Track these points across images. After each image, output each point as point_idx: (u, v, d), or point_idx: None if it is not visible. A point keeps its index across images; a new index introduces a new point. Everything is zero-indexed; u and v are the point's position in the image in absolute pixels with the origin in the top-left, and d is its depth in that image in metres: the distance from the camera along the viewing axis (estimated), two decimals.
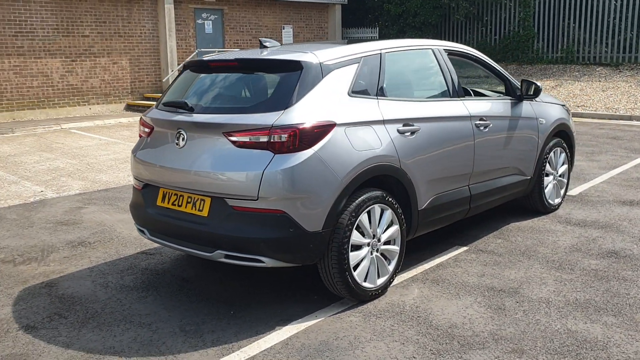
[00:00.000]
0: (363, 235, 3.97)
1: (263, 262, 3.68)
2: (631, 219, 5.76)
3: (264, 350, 3.45)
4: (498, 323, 3.70)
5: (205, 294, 4.29)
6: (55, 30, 14.71)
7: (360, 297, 3.99)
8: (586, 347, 3.38)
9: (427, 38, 17.96)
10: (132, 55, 16.20)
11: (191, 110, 4.00)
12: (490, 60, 5.44)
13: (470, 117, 4.79)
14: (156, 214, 4.15)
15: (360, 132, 3.91)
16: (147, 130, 4.34)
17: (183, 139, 3.95)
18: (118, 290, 4.40)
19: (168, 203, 4.08)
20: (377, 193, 4.00)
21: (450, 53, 4.99)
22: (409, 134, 4.24)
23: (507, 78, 5.49)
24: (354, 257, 3.90)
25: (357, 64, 4.12)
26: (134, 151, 4.42)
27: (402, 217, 4.22)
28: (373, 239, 4.04)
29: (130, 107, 16.10)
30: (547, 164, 5.86)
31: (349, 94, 3.98)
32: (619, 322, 3.67)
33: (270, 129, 3.60)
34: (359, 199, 3.88)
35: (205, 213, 3.83)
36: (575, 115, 13.85)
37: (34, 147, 10.95)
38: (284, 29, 19.84)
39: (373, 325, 3.72)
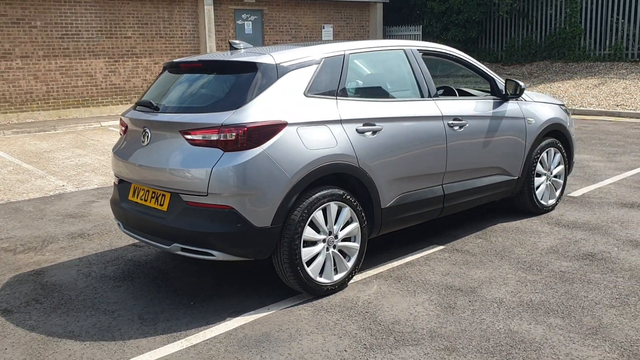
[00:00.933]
0: (318, 231, 4.08)
1: (214, 255, 3.85)
2: (624, 221, 5.61)
3: (207, 340, 3.62)
4: (441, 321, 3.74)
5: (175, 285, 4.50)
6: (99, 32, 15.37)
7: (314, 291, 4.10)
8: (519, 347, 3.38)
9: (472, 35, 17.66)
10: (173, 55, 16.72)
11: (156, 109, 4.21)
12: (472, 59, 5.41)
13: (442, 117, 4.81)
14: (128, 208, 4.39)
15: (314, 131, 4.02)
16: (123, 128, 4.59)
17: (147, 137, 4.17)
18: (97, 280, 4.67)
19: (137, 198, 4.31)
20: (334, 191, 4.09)
21: (426, 53, 5.01)
22: (370, 133, 4.31)
23: (492, 78, 5.45)
24: (307, 252, 4.01)
25: (317, 65, 4.22)
26: (114, 149, 4.67)
27: (363, 215, 4.30)
28: (329, 235, 4.14)
29: None
30: (539, 164, 5.78)
31: (305, 94, 4.09)
32: (564, 324, 3.64)
33: (219, 128, 3.77)
34: (313, 197, 3.99)
35: (165, 207, 4.03)
36: (612, 114, 13.40)
37: (70, 143, 11.53)
38: (324, 28, 19.99)
39: (319, 319, 3.83)
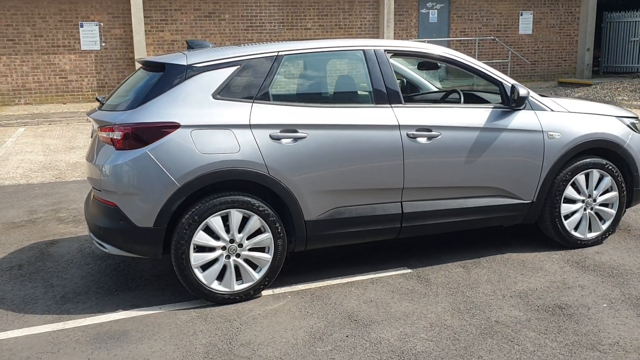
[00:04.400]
0: (217, 238, 3.99)
1: (106, 248, 4.04)
2: None
3: (76, 327, 3.82)
4: (288, 352, 3.41)
5: (126, 270, 4.77)
6: (281, 24, 16.36)
7: (207, 298, 4.04)
8: None
9: None
10: None
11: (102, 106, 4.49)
12: (469, 59, 4.63)
13: (399, 127, 4.26)
14: (89, 198, 4.78)
15: (213, 135, 3.92)
16: None
17: (92, 133, 4.49)
18: (83, 256, 5.18)
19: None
20: (237, 197, 3.96)
21: (398, 54, 4.48)
22: (289, 140, 4.04)
23: (500, 82, 4.62)
24: (199, 257, 3.96)
25: (236, 67, 4.09)
26: None
27: (278, 226, 4.07)
28: (231, 243, 4.02)
29: None
30: (570, 188, 4.76)
31: (213, 97, 4.00)
32: None
33: (113, 127, 3.91)
34: (210, 202, 3.92)
35: (92, 199, 4.33)
36: None
37: None
38: (521, 15, 18.43)
39: (187, 326, 3.78)
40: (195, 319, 3.88)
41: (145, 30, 15.28)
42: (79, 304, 4.19)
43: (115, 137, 3.90)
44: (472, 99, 5.09)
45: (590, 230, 4.92)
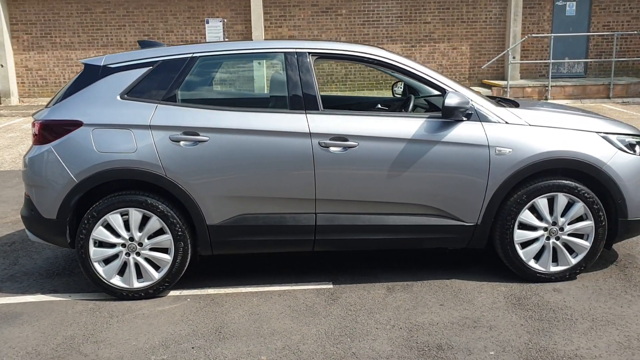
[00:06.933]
0: (117, 235, 4.10)
1: (28, 235, 4.35)
2: (624, 317, 3.60)
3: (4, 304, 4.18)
4: (124, 356, 3.42)
5: None
6: (398, 18, 15.99)
7: (108, 292, 4.17)
8: None
9: None
10: (474, 40, 16.13)
11: None
12: (409, 63, 4.17)
13: (310, 135, 4.01)
14: None
15: (112, 134, 4.01)
16: None
17: None
18: None
19: None
20: (135, 197, 4.04)
21: (326, 56, 4.20)
22: (189, 143, 4.01)
23: (445, 89, 4.11)
24: (99, 252, 4.10)
25: (147, 68, 4.14)
26: None
27: (179, 228, 4.07)
28: (131, 241, 4.10)
29: None
30: (527, 213, 4.12)
31: (120, 97, 4.10)
32: None
33: (33, 123, 4.20)
34: (109, 200, 4.05)
35: None
36: None
37: None
38: None
39: (71, 317, 3.95)
40: (86, 311, 4.04)
41: (265, 26, 15.85)
42: (16, 283, 4.57)
43: (34, 132, 4.18)
44: (434, 108, 4.61)
45: (556, 263, 4.22)
